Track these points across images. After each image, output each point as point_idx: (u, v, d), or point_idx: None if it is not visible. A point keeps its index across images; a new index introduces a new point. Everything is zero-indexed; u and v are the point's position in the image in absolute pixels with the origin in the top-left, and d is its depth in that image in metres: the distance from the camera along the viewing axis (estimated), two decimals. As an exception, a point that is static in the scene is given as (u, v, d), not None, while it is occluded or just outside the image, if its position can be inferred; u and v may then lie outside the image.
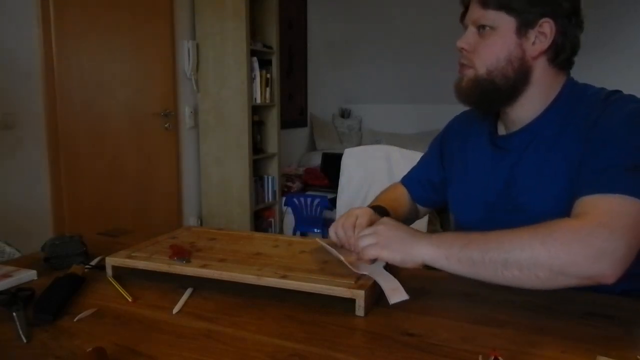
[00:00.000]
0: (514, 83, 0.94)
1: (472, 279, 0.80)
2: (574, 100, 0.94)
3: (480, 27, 0.93)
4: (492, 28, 0.92)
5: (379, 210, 1.08)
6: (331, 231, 1.01)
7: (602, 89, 0.95)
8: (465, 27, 0.98)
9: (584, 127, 0.89)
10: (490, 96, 0.95)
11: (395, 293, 0.82)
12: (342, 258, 0.90)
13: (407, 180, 1.28)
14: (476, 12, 0.93)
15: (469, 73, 0.96)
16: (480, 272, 0.78)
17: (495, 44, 0.92)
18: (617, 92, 0.92)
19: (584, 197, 0.80)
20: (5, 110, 2.24)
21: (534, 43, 0.92)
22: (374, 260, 0.89)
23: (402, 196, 1.25)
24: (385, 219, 0.93)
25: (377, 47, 5.17)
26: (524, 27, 0.91)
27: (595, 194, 0.79)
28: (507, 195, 0.99)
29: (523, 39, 0.92)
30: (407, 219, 1.23)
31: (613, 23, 4.27)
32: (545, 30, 0.91)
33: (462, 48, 0.96)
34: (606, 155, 0.83)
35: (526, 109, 0.97)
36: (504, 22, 0.91)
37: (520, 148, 0.98)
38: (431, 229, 1.64)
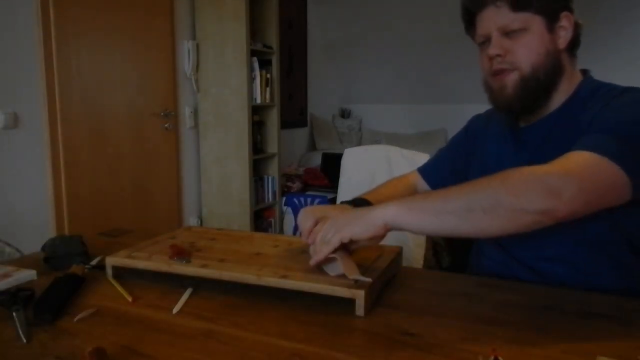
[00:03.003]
0: (553, 77, 0.98)
1: (439, 234, 0.82)
2: (592, 92, 0.98)
3: (510, 32, 0.95)
4: (523, 30, 0.95)
5: (361, 204, 1.06)
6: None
7: (620, 85, 0.97)
8: (483, 37, 0.99)
9: (595, 111, 0.92)
10: (535, 94, 0.98)
11: (354, 272, 0.82)
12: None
13: (424, 169, 1.28)
14: (503, 18, 0.95)
15: (513, 76, 0.97)
16: (444, 220, 0.79)
17: (532, 42, 0.95)
18: (635, 88, 0.95)
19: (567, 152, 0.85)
20: (6, 110, 2.24)
21: (559, 36, 0.97)
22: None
23: (402, 193, 1.23)
24: (337, 206, 0.93)
25: (377, 48, 5.17)
26: (551, 22, 0.96)
27: (576, 150, 0.84)
28: None
29: (553, 33, 0.96)
30: None
31: (613, 22, 4.27)
32: (566, 23, 0.97)
33: (498, 54, 0.96)
34: (604, 121, 0.87)
35: (554, 100, 1.00)
36: (534, 21, 0.95)
37: (540, 138, 1.01)
38: (430, 238, 1.64)
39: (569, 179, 0.77)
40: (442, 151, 1.29)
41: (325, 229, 0.87)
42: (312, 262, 0.87)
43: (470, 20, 1.03)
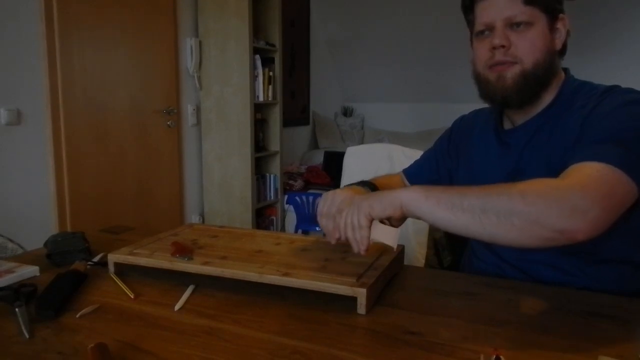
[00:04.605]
0: (549, 76, 0.98)
1: (450, 230, 0.79)
2: (574, 93, 0.98)
3: (515, 25, 0.94)
4: (528, 24, 0.94)
5: (368, 185, 1.07)
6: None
7: (601, 84, 0.97)
8: (485, 25, 0.97)
9: (581, 116, 0.92)
10: (533, 90, 0.97)
11: (389, 239, 0.82)
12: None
13: (408, 171, 1.28)
14: (512, 9, 0.94)
15: (515, 69, 0.95)
16: (458, 216, 0.76)
17: (537, 38, 0.95)
18: (616, 86, 0.95)
19: (572, 164, 0.83)
20: (9, 107, 2.24)
21: (556, 37, 0.98)
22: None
23: (396, 185, 1.23)
24: (347, 190, 0.94)
25: (379, 46, 5.16)
26: (551, 22, 0.96)
27: (582, 161, 0.81)
28: None
29: (552, 33, 0.97)
30: None
31: (613, 24, 4.26)
32: (561, 26, 0.98)
33: (503, 45, 0.95)
34: (598, 132, 0.86)
35: (542, 101, 1.00)
36: (540, 18, 0.95)
37: (524, 140, 1.00)
38: (432, 236, 1.64)
39: (593, 199, 0.73)
40: (427, 153, 1.28)
41: (345, 216, 0.85)
42: (360, 252, 0.84)
43: (471, 6, 1.01)
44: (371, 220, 0.83)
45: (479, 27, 0.99)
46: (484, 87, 1.01)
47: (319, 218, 0.96)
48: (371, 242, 0.83)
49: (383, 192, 0.83)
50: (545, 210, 0.72)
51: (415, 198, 0.79)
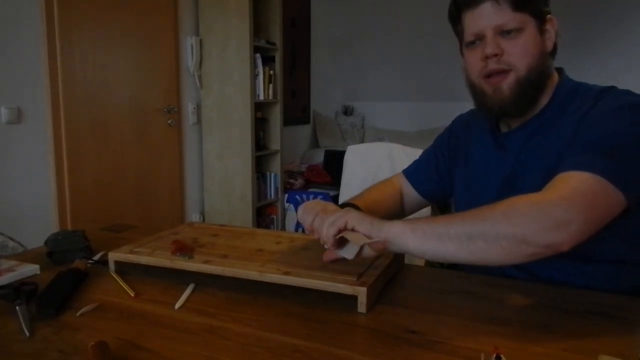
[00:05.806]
0: (543, 79, 0.97)
1: (438, 260, 0.80)
2: (570, 95, 0.97)
3: (506, 32, 0.94)
4: (519, 30, 0.94)
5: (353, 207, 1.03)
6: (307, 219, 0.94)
7: (596, 85, 0.97)
8: (475, 35, 0.97)
9: (576, 117, 0.91)
10: (529, 96, 0.97)
11: (364, 240, 0.80)
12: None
13: (408, 171, 1.27)
14: (502, 17, 0.93)
15: (510, 79, 0.95)
16: (446, 246, 0.77)
17: (529, 42, 0.94)
18: (612, 87, 0.95)
19: (560, 172, 0.83)
20: (9, 105, 2.24)
21: (546, 39, 0.97)
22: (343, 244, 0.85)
23: (388, 197, 1.22)
24: (351, 208, 0.91)
25: (380, 45, 5.16)
26: (541, 24, 0.96)
27: (569, 170, 0.82)
28: (509, 190, 0.99)
29: (542, 36, 0.96)
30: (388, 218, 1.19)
31: (613, 26, 4.25)
32: (550, 27, 0.97)
33: (496, 54, 0.94)
34: (590, 136, 0.86)
35: (537, 104, 0.99)
36: (529, 22, 0.94)
37: (521, 143, 1.00)
38: None
39: (575, 211, 0.75)
40: (426, 152, 1.27)
41: (330, 215, 0.84)
42: (327, 246, 0.83)
43: (458, 17, 1.00)
44: (348, 229, 0.82)
45: (468, 37, 0.98)
46: (480, 99, 1.00)
47: (300, 210, 0.96)
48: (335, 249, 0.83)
49: (372, 221, 0.82)
50: (530, 228, 0.74)
51: (401, 233, 0.79)
